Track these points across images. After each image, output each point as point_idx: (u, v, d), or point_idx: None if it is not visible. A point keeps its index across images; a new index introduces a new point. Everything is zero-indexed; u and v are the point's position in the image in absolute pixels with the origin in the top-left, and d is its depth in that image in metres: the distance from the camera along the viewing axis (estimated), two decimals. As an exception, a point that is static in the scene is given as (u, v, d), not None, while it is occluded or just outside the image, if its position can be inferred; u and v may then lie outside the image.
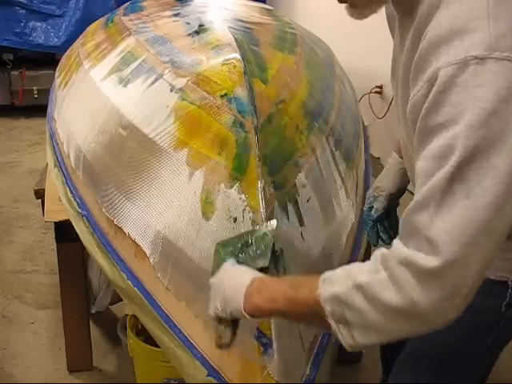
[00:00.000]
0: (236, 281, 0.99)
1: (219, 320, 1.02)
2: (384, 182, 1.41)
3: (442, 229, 0.80)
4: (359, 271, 0.87)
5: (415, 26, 0.96)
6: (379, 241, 1.43)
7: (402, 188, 1.41)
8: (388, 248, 0.88)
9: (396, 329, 0.85)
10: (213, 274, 1.07)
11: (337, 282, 0.87)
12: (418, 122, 0.87)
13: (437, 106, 0.83)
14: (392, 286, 0.82)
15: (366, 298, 0.83)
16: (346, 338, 0.87)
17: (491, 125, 0.80)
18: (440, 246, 0.80)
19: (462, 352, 1.18)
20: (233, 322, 1.02)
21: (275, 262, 1.14)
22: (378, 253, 0.87)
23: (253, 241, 1.07)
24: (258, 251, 1.05)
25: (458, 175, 0.80)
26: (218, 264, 1.08)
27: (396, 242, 0.86)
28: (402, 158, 1.35)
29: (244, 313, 0.95)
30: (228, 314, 0.99)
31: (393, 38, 1.17)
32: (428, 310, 0.81)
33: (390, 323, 0.84)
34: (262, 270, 1.04)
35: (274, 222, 1.10)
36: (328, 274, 0.90)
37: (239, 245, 1.08)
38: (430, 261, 0.80)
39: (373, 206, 1.41)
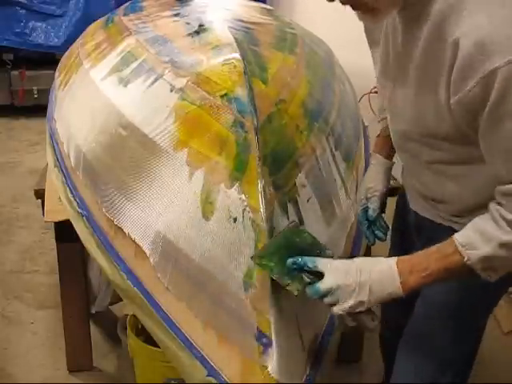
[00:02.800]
0: (380, 272, 1.11)
1: (358, 313, 1.12)
2: (375, 183, 1.48)
3: None
4: (495, 233, 1.06)
5: (431, 27, 1.08)
6: (375, 239, 1.47)
7: (388, 186, 1.50)
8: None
9: None
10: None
11: (481, 246, 1.07)
12: (485, 113, 1.02)
13: (504, 98, 0.99)
14: None
15: (509, 251, 1.07)
16: (493, 278, 1.11)
17: None
18: None
19: (477, 307, 1.36)
20: (370, 309, 1.13)
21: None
22: (497, 214, 1.06)
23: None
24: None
25: None
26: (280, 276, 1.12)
27: (505, 213, 1.06)
28: (385, 157, 1.50)
29: (402, 293, 1.11)
30: (372, 302, 1.11)
31: (373, 42, 1.29)
32: None
33: None
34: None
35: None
36: (462, 239, 1.09)
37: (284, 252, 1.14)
38: None
39: (367, 208, 1.45)
